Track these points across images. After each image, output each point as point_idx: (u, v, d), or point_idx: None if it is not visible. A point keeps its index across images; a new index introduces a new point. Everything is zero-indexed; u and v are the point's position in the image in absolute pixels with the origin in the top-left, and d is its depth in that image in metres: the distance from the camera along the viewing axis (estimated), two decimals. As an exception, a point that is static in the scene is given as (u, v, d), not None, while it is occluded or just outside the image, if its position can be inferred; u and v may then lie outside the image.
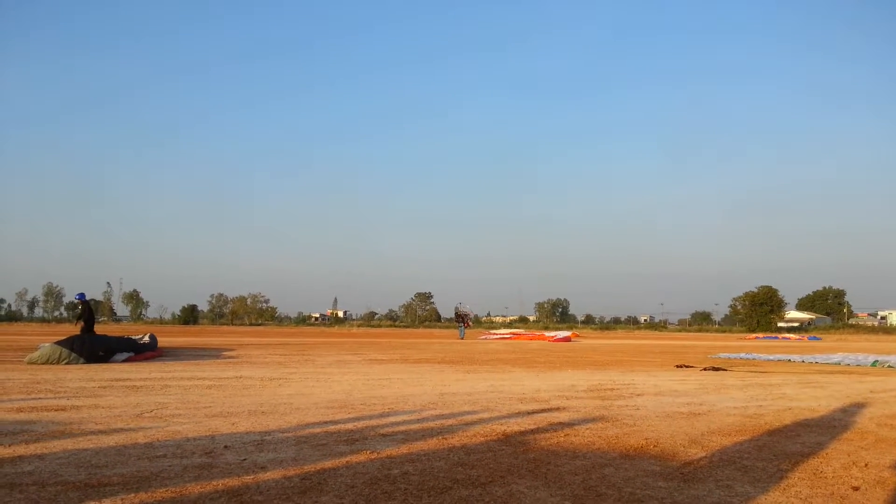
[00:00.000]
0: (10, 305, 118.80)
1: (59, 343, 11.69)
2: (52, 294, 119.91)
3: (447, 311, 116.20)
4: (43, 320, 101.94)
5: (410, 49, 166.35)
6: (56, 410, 5.68)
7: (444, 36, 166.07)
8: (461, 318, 41.37)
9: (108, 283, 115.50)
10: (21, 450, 3.96)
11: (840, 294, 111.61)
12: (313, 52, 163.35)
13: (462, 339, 35.15)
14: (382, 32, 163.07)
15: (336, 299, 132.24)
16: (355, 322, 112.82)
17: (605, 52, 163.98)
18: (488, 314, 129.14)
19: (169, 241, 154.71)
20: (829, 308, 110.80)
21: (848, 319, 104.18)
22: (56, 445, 4.12)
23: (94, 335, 13.34)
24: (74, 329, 15.50)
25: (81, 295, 16.30)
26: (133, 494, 3.03)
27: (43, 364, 11.02)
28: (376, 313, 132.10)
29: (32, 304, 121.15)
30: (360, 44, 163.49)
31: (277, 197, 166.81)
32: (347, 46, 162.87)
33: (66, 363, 11.14)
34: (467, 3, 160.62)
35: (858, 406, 7.12)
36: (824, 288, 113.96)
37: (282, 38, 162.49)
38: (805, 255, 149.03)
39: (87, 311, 15.95)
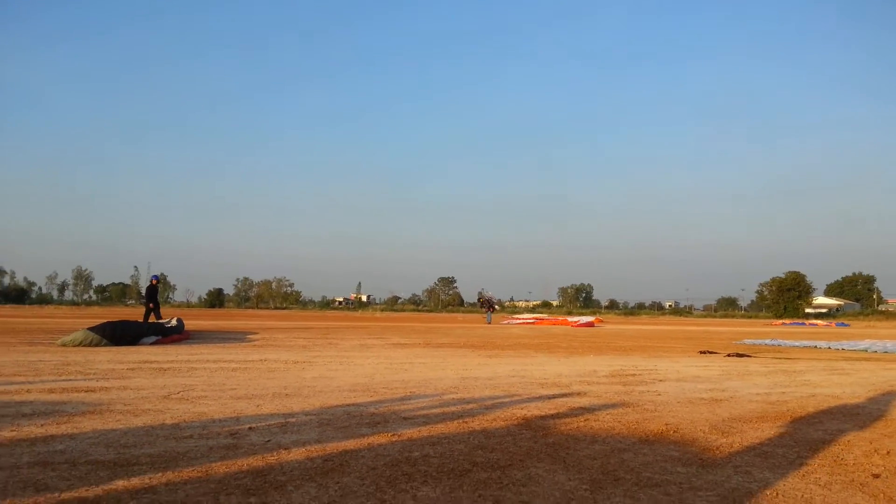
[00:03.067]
0: (40, 289, 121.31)
1: (90, 329, 11.97)
2: (82, 278, 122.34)
3: (470, 296, 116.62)
4: (73, 303, 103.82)
5: (434, 32, 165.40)
6: (86, 392, 5.82)
7: (469, 19, 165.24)
8: (487, 303, 41.40)
9: (135, 266, 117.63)
10: (53, 429, 4.08)
11: (870, 280, 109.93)
12: (331, 37, 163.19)
13: (489, 323, 35.23)
14: (405, 14, 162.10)
15: (360, 284, 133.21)
16: (378, 306, 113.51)
17: (631, 32, 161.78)
18: (511, 299, 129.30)
19: (195, 226, 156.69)
20: (859, 294, 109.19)
21: (878, 306, 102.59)
22: (86, 425, 4.23)
23: (125, 321, 13.63)
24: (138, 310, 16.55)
25: (156, 276, 17.64)
26: (161, 473, 3.11)
27: (74, 347, 11.26)
28: (399, 298, 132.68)
29: (62, 288, 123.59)
30: (382, 27, 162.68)
31: (301, 182, 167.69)
32: (368, 31, 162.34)
33: (97, 346, 11.39)
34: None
35: (884, 394, 7.05)
36: (854, 274, 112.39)
37: (298, 22, 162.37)
38: (834, 241, 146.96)
39: (154, 291, 17.36)
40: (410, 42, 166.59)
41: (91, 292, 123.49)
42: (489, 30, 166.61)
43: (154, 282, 17.88)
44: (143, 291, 18.11)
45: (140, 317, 18.96)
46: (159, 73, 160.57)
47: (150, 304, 17.80)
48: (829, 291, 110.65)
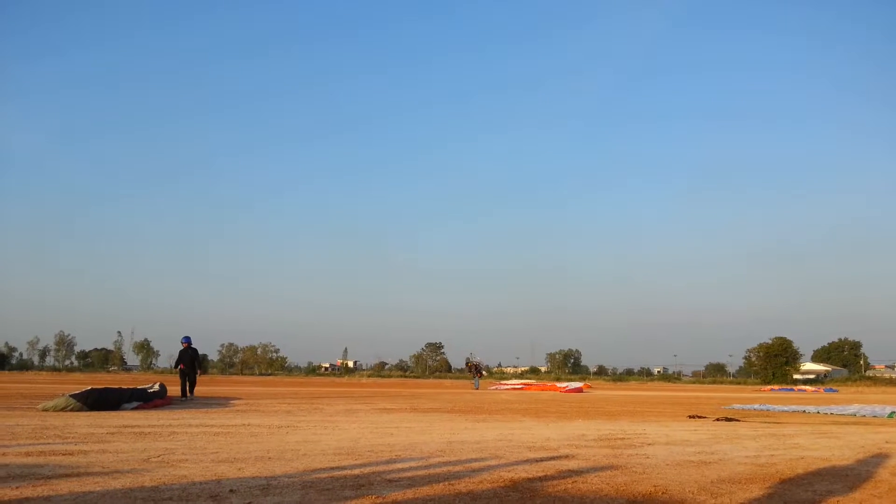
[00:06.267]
0: (21, 354, 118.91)
1: (73, 395, 11.76)
2: (64, 343, 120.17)
3: (458, 362, 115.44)
4: (54, 369, 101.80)
5: (418, 95, 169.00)
6: (64, 455, 5.69)
7: (452, 83, 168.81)
8: (475, 368, 40.93)
9: (118, 332, 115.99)
10: (28, 491, 3.98)
11: (856, 346, 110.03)
12: (316, 95, 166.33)
13: (477, 389, 34.89)
14: (385, 80, 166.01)
15: (346, 349, 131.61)
16: (365, 372, 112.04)
17: (619, 97, 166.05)
18: (499, 365, 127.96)
19: (180, 290, 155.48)
20: (846, 360, 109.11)
21: (865, 371, 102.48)
22: (63, 488, 4.13)
23: (108, 388, 13.35)
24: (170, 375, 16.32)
25: (187, 338, 17.60)
26: (138, 535, 3.03)
27: (55, 412, 11.02)
28: (386, 363, 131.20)
29: (44, 354, 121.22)
30: (373, 86, 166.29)
31: (288, 247, 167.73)
32: (360, 88, 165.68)
33: (77, 412, 11.15)
34: (470, 47, 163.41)
35: (873, 456, 7.01)
36: (840, 339, 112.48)
37: (288, 82, 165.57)
38: (820, 306, 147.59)
39: (189, 354, 17.46)
40: (402, 102, 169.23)
41: (73, 358, 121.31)
42: (476, 90, 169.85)
43: (185, 345, 17.60)
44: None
45: (123, 383, 18.60)
46: (141, 136, 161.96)
47: (181, 366, 17.42)
48: (816, 357, 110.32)
